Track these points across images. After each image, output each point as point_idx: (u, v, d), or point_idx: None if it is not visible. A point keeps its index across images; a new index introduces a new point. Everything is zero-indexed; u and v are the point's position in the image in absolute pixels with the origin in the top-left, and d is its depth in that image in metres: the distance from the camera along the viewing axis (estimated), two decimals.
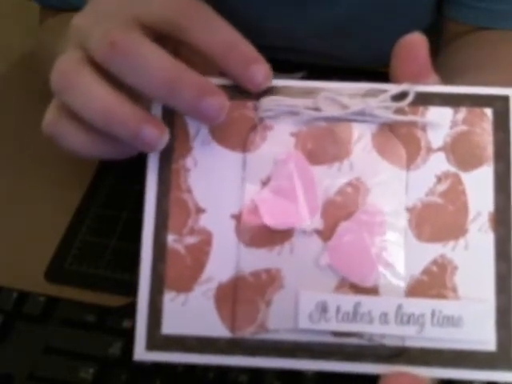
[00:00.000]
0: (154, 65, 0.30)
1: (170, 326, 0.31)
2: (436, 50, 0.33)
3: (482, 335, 0.30)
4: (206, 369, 0.36)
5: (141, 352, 0.31)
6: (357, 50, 0.58)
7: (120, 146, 0.32)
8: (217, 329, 0.31)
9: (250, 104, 0.32)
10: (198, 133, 0.32)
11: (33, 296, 0.40)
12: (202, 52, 0.31)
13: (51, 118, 0.33)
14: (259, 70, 0.31)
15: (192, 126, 0.32)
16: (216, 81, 0.33)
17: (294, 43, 0.59)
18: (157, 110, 0.32)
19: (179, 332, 0.31)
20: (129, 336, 0.37)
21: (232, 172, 0.32)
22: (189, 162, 0.32)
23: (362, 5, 0.54)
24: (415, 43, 0.30)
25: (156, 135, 0.30)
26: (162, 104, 0.32)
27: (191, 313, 0.31)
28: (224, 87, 0.32)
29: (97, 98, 0.31)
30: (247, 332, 0.31)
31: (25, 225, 0.46)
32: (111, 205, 0.46)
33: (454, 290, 0.30)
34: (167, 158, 0.32)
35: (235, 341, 0.31)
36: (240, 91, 0.32)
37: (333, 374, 0.36)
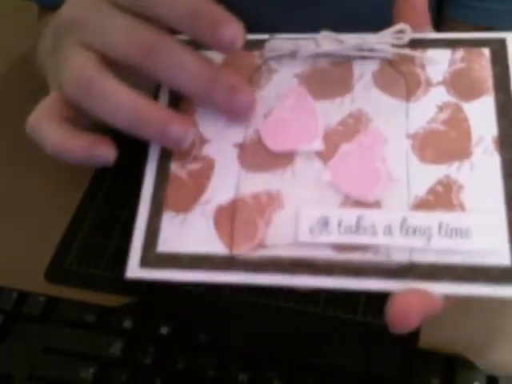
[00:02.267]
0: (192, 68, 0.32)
1: (166, 244, 0.31)
2: None
3: (494, 246, 0.28)
4: (207, 367, 0.36)
5: (134, 269, 0.30)
6: None
7: (99, 151, 0.32)
8: (214, 246, 0.30)
9: (256, 53, 0.34)
10: None
11: (33, 296, 0.40)
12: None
13: (36, 119, 0.34)
14: (227, 30, 0.30)
15: None
16: None
17: None
18: (164, 97, 0.33)
19: (175, 250, 0.30)
20: (129, 336, 0.37)
21: None
22: None
23: (361, 5, 0.54)
24: None
25: (182, 133, 0.31)
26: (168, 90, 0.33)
27: (189, 231, 0.31)
28: None
29: (124, 102, 0.31)
30: (245, 249, 0.30)
31: (25, 225, 0.46)
32: (111, 205, 0.46)
33: (461, 206, 0.29)
34: (176, 94, 0.33)
35: (232, 258, 0.30)
36: (248, 43, 0.32)
37: (333, 376, 0.36)
